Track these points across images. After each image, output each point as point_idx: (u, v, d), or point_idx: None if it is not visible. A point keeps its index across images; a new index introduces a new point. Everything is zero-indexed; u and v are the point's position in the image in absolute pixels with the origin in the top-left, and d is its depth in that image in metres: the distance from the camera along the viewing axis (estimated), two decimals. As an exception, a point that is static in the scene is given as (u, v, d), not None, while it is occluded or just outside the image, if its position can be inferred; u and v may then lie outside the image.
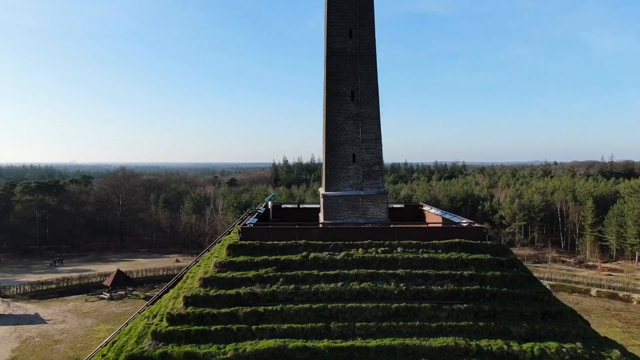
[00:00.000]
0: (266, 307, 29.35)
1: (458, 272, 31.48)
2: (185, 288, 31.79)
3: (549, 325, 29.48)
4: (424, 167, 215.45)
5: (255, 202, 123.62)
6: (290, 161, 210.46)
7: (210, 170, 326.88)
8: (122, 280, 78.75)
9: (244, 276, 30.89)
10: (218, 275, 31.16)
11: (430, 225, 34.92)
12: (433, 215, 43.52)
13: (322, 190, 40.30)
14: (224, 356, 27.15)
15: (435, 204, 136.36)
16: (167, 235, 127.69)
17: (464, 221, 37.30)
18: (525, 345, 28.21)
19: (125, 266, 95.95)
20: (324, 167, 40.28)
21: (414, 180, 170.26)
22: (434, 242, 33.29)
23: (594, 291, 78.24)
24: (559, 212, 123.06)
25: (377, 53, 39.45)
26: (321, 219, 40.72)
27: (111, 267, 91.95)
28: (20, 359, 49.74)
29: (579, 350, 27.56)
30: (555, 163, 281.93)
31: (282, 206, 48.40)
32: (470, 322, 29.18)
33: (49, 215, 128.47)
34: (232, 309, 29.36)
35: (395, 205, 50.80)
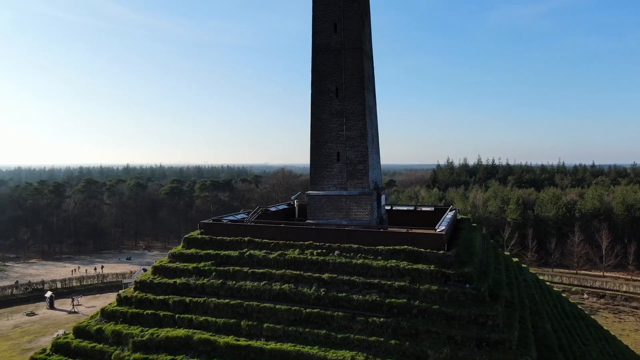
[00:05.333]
0: (192, 298, 30.68)
1: (388, 282, 28.07)
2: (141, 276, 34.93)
3: (480, 356, 24.45)
4: (617, 170, 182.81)
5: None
6: (456, 162, 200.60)
7: (384, 171, 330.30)
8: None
9: (185, 267, 32.67)
10: (167, 265, 33.53)
11: (389, 230, 31.36)
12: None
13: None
14: (141, 339, 29.44)
15: (606, 212, 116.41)
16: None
17: (440, 228, 32.53)
18: (433, 374, 24.05)
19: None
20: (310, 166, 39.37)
21: (594, 184, 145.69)
22: (379, 247, 30.13)
23: None
24: None
25: (369, 46, 37.06)
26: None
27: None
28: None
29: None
30: None
31: (309, 205, 47.97)
32: (382, 339, 25.97)
33: (221, 209, 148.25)
34: (166, 296, 31.45)
35: (424, 209, 46.14)
